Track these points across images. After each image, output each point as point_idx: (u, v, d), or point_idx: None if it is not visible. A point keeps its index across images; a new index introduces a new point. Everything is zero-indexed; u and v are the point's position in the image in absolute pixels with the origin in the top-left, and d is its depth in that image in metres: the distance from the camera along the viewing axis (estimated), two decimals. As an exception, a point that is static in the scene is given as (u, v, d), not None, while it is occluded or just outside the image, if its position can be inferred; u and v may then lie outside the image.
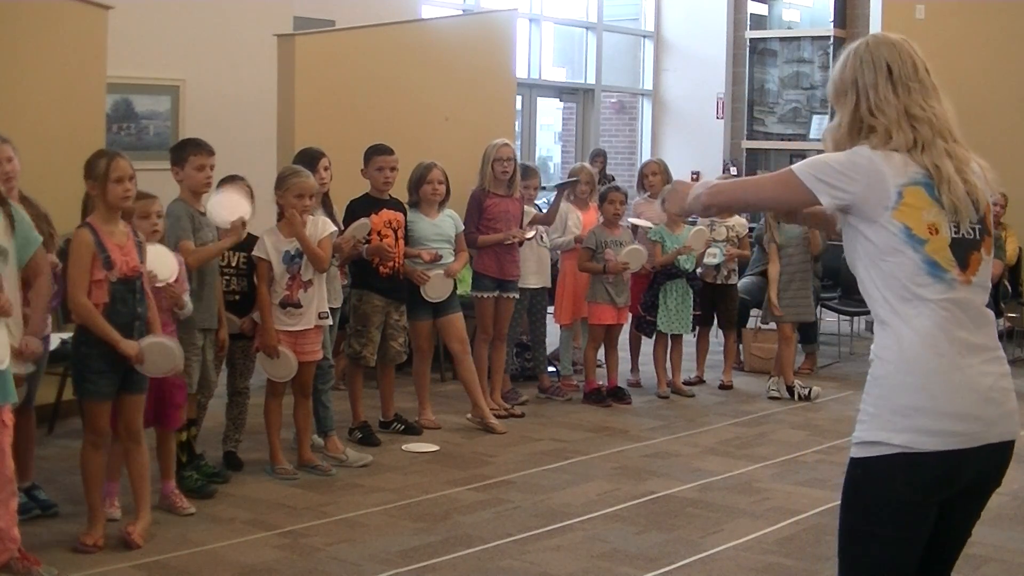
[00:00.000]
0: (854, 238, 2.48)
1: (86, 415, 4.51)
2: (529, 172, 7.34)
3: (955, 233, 2.41)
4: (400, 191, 6.46)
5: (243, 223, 5.12)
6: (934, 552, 2.48)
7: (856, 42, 2.59)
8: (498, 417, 6.64)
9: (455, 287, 6.58)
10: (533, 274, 7.26)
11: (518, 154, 7.71)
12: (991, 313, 2.48)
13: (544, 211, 7.55)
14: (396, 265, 6.15)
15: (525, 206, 7.13)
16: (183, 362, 4.61)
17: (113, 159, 4.36)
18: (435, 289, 6.38)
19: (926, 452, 2.33)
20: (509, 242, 6.79)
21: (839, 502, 2.52)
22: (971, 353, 2.37)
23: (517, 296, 7.00)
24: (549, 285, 7.52)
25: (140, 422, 4.56)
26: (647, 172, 8.22)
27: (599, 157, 11.77)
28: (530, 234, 6.96)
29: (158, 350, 4.43)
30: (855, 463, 2.44)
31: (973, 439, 2.36)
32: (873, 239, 2.42)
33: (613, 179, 11.31)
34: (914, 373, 2.35)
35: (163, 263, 4.77)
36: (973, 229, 2.44)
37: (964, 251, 2.41)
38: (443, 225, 6.47)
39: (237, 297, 5.52)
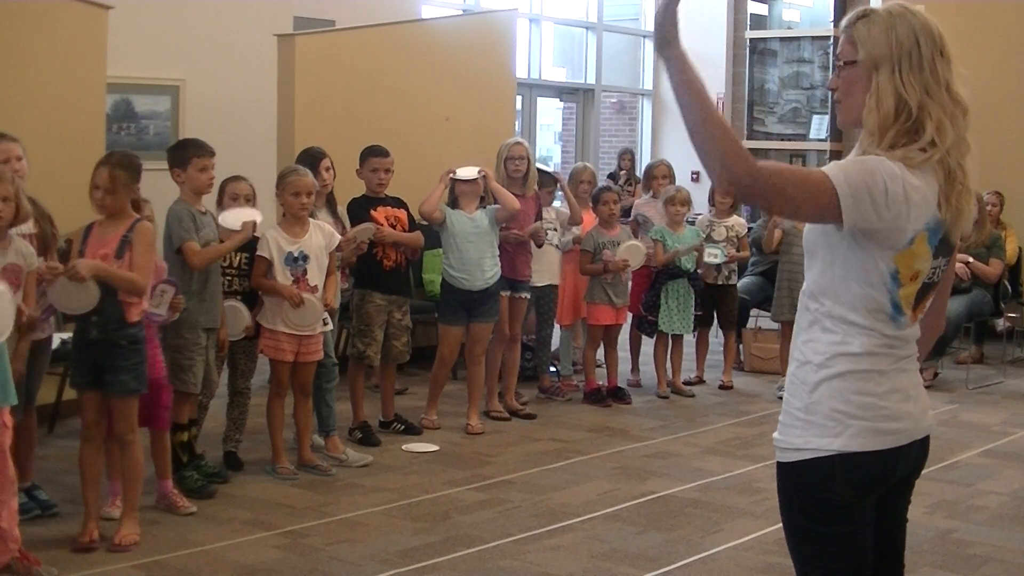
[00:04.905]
0: (839, 243, 2.31)
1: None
2: (548, 178, 7.31)
3: (927, 279, 2.35)
4: (397, 192, 6.42)
5: (254, 224, 5.20)
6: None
7: (892, 5, 2.33)
8: (511, 415, 6.79)
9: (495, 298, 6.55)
10: (540, 271, 7.11)
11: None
12: (918, 331, 2.43)
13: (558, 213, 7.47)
14: (398, 258, 6.15)
15: (544, 207, 7.11)
16: (92, 305, 4.36)
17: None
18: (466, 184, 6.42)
19: (863, 452, 2.31)
20: (520, 240, 6.76)
21: None
22: (900, 360, 2.36)
23: (528, 296, 6.96)
24: (557, 282, 7.38)
25: (123, 425, 4.50)
26: (657, 174, 8.15)
27: (626, 155, 11.69)
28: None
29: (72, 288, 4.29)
30: (790, 467, 2.37)
31: (905, 436, 2.36)
32: (861, 264, 2.30)
33: (639, 180, 11.23)
34: (850, 380, 2.32)
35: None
36: (935, 270, 2.37)
37: (923, 295, 2.37)
38: (479, 219, 6.44)
39: (239, 297, 5.52)
